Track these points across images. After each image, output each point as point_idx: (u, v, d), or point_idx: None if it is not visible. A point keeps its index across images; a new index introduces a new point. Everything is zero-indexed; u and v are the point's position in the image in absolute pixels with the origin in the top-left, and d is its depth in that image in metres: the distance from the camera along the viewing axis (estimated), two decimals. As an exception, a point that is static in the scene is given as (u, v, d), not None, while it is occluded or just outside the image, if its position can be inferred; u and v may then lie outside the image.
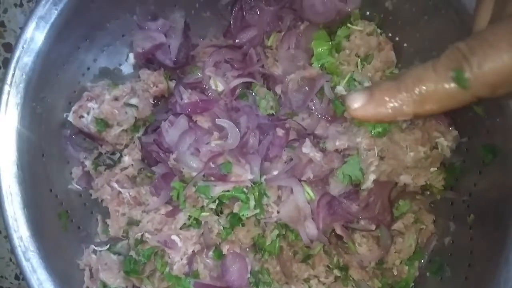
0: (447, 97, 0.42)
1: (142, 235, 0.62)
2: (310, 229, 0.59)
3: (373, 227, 0.59)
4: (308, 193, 0.61)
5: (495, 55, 0.39)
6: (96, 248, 0.65)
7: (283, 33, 0.68)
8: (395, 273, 0.61)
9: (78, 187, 0.68)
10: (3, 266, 0.88)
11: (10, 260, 0.88)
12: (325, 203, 0.60)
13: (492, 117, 0.54)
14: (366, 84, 0.62)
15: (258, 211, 0.59)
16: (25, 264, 0.60)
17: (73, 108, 0.67)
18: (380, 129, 0.57)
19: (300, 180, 0.61)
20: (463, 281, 0.55)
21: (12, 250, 0.60)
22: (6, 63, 0.86)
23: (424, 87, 0.42)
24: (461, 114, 0.59)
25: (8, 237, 0.61)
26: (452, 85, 0.41)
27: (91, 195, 0.69)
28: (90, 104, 0.67)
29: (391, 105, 0.43)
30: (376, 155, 0.59)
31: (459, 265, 0.57)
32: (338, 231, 0.60)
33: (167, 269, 0.61)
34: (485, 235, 0.55)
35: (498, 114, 0.53)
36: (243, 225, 0.63)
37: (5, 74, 0.62)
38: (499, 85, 0.40)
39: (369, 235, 0.61)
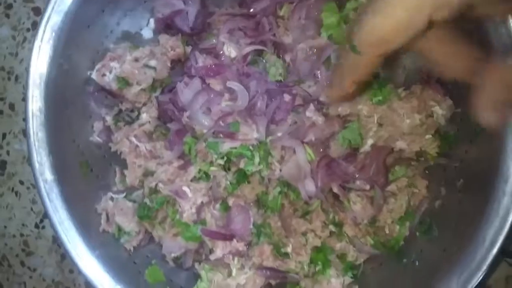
0: (360, 67, 0.50)
1: (156, 185, 0.68)
2: (309, 186, 0.64)
3: (367, 187, 0.64)
4: (309, 154, 0.65)
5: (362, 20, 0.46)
6: (113, 196, 0.71)
7: (294, 4, 0.71)
8: (387, 231, 0.66)
9: (98, 139, 0.73)
10: (25, 215, 0.95)
11: (31, 209, 0.94)
12: (324, 164, 0.65)
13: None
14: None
15: (262, 167, 0.64)
16: (48, 204, 0.66)
17: (97, 67, 0.72)
18: (380, 97, 0.62)
19: (302, 142, 0.66)
20: (449, 239, 0.60)
21: (38, 192, 0.67)
22: (35, 25, 0.92)
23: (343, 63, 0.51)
24: (457, 86, 0.63)
25: (34, 181, 0.67)
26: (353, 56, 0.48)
27: (110, 148, 0.74)
28: (112, 64, 0.72)
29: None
30: (376, 121, 0.64)
31: (447, 226, 0.62)
32: (335, 190, 0.65)
33: (177, 216, 0.67)
34: (471, 199, 0.59)
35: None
36: (248, 182, 0.68)
37: (37, 31, 0.67)
38: (381, 44, 0.46)
39: (363, 195, 0.65)
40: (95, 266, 0.65)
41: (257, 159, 0.65)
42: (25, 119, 0.67)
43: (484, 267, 0.53)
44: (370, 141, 0.64)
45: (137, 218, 0.69)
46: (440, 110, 0.62)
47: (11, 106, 0.95)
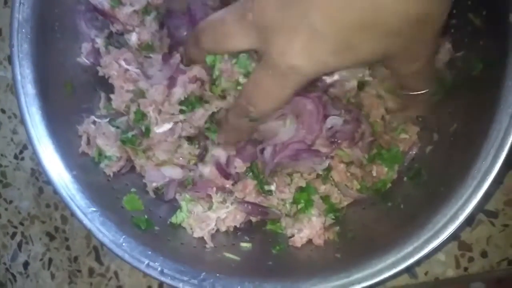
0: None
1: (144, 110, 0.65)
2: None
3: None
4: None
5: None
6: (96, 119, 0.69)
7: None
8: (374, 174, 0.64)
9: (86, 61, 0.71)
10: (4, 145, 0.92)
11: (12, 140, 0.91)
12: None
13: (487, 28, 0.57)
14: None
15: None
16: (28, 118, 0.63)
17: (90, -17, 0.69)
18: None
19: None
20: (437, 184, 0.58)
21: (18, 105, 0.64)
22: None
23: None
24: (461, 28, 0.61)
25: (15, 93, 0.64)
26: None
27: (97, 72, 0.71)
28: (105, -18, 0.69)
29: None
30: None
31: (436, 171, 0.60)
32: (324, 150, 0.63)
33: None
34: (463, 144, 0.58)
35: (494, 23, 0.55)
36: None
37: None
38: None
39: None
40: (71, 186, 0.62)
41: None
42: (9, 30, 0.64)
43: (470, 208, 0.52)
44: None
45: (120, 143, 0.67)
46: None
47: (-2, 32, 0.92)
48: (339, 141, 0.60)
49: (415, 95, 0.61)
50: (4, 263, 0.90)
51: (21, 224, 0.91)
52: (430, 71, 0.58)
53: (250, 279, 0.56)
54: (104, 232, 0.60)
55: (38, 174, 0.90)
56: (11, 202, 0.92)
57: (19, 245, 0.91)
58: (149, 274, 0.57)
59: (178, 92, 0.62)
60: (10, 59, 0.89)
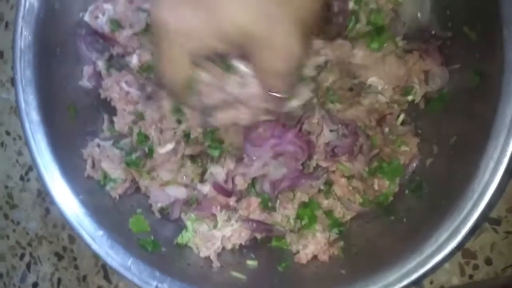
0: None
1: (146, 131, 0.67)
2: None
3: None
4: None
5: None
6: (100, 142, 0.69)
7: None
8: (376, 187, 0.65)
9: (88, 84, 0.72)
10: (10, 167, 0.93)
11: (17, 161, 0.92)
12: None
13: (483, 41, 0.57)
14: (372, 5, 0.65)
15: None
16: (33, 145, 0.64)
17: (90, 8, 0.70)
18: (376, 45, 0.61)
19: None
20: (438, 196, 0.59)
21: (23, 132, 0.65)
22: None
23: None
24: (456, 40, 0.62)
25: (20, 120, 0.65)
26: None
27: (99, 94, 0.72)
28: (105, 6, 0.70)
29: None
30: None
31: (436, 184, 0.61)
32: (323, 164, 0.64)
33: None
34: (463, 156, 0.58)
35: (489, 37, 0.56)
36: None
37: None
38: None
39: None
40: (78, 211, 0.63)
41: None
42: (12, 58, 0.65)
43: (472, 221, 0.53)
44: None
45: (124, 165, 0.68)
46: (419, 90, 0.63)
47: (0, 54, 0.93)
48: (339, 155, 0.61)
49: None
50: (14, 284, 0.91)
51: (29, 245, 0.92)
52: (291, 76, 0.55)
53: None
54: (112, 255, 0.61)
55: (44, 195, 0.91)
56: (18, 223, 0.93)
57: (28, 266, 0.92)
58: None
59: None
60: (12, 82, 0.91)
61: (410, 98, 0.65)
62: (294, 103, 0.58)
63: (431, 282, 0.73)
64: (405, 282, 0.53)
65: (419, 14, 0.65)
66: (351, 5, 0.64)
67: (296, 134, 0.61)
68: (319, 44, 0.59)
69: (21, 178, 0.92)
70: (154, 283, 0.59)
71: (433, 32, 0.65)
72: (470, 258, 0.73)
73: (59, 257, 0.90)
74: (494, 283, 0.71)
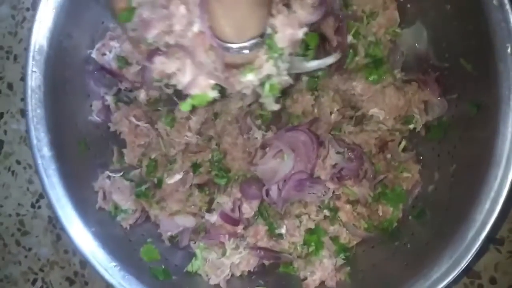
0: None
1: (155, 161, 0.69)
2: (272, 192, 0.66)
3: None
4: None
5: None
6: (110, 174, 0.71)
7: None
8: (380, 213, 0.67)
9: (97, 119, 0.74)
10: (21, 195, 0.95)
11: (28, 189, 0.95)
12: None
13: (479, 73, 0.59)
14: (370, 38, 0.67)
15: None
16: (46, 180, 0.66)
17: (97, 46, 0.73)
18: (375, 76, 0.63)
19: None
20: (440, 223, 0.61)
21: (36, 168, 0.67)
22: (35, 5, 0.92)
23: None
24: (453, 71, 0.64)
25: (32, 157, 0.67)
26: None
27: (109, 127, 0.74)
28: (112, 43, 0.73)
29: None
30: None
31: (439, 210, 0.63)
32: (331, 186, 0.66)
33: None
34: (464, 183, 0.60)
35: (484, 70, 0.58)
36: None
37: (35, 10, 0.67)
38: None
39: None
40: (91, 243, 0.65)
41: None
42: (24, 97, 0.67)
43: (475, 248, 0.55)
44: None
45: (134, 197, 0.70)
46: (420, 119, 0.66)
47: (9, 86, 0.95)
48: (345, 178, 0.63)
49: None
50: (27, 310, 0.93)
51: (41, 270, 0.94)
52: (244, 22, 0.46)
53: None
54: (125, 286, 0.63)
55: (55, 221, 0.93)
56: (30, 249, 0.95)
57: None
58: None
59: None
60: (22, 112, 0.93)
61: (411, 126, 0.67)
62: (250, 77, 0.50)
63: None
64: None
65: (417, 45, 0.67)
66: (349, 38, 0.66)
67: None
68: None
69: (32, 205, 0.94)
70: (167, 314, 0.61)
71: (431, 62, 0.67)
72: (475, 278, 0.74)
73: (71, 281, 0.92)
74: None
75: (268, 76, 0.50)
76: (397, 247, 0.64)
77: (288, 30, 0.49)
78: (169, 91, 0.55)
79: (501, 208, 0.55)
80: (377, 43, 0.68)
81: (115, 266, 0.64)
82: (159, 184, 0.70)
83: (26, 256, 0.95)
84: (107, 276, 0.64)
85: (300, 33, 0.50)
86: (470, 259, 0.55)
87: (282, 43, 0.49)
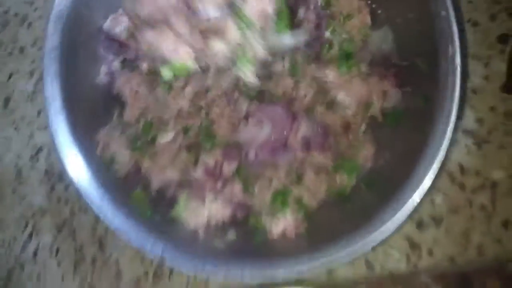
0: None
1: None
2: (250, 154, 0.78)
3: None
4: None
5: None
6: (111, 129, 0.82)
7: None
8: (338, 181, 0.79)
9: (103, 81, 0.85)
10: (22, 147, 1.04)
11: (28, 144, 1.04)
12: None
13: (430, 71, 0.73)
14: (344, 36, 0.81)
15: None
16: (55, 127, 0.76)
17: (109, 18, 0.84)
18: (344, 68, 0.76)
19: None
20: (385, 190, 0.73)
21: (48, 116, 0.77)
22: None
23: None
24: (410, 70, 0.77)
25: (45, 107, 0.78)
26: None
27: (113, 90, 0.86)
28: (122, 18, 0.84)
29: None
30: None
31: (385, 181, 0.76)
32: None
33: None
34: (407, 161, 0.73)
35: (434, 68, 0.71)
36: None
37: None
38: None
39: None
40: (88, 182, 0.75)
41: None
42: (42, 55, 0.78)
43: (408, 208, 0.68)
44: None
45: (130, 151, 0.81)
46: (377, 106, 0.79)
47: (21, 49, 1.05)
48: (313, 148, 0.75)
49: None
50: (15, 254, 1.02)
51: (33, 217, 1.03)
52: None
53: (235, 262, 0.70)
54: (114, 220, 0.73)
55: (51, 175, 1.03)
56: (24, 197, 1.04)
57: (30, 236, 1.03)
58: (152, 254, 0.71)
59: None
60: (30, 74, 1.03)
61: (371, 112, 0.80)
62: (220, 45, 0.56)
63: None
64: (358, 253, 0.67)
65: (383, 45, 0.81)
66: (327, 34, 0.79)
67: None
68: None
69: (31, 157, 1.04)
70: (149, 246, 0.72)
71: (393, 60, 0.81)
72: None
73: (59, 229, 1.01)
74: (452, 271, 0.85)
75: (241, 48, 0.59)
76: (349, 208, 0.77)
77: (256, 2, 0.57)
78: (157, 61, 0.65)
79: (430, 180, 0.68)
80: (350, 40, 0.82)
81: (107, 204, 0.74)
82: (153, 141, 0.81)
83: (20, 203, 1.04)
84: (98, 210, 0.74)
85: (269, 7, 0.58)
86: (405, 218, 0.68)
87: (251, 15, 0.57)
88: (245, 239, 0.77)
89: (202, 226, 0.79)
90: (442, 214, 0.87)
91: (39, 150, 1.04)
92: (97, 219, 0.91)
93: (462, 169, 0.87)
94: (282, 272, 0.68)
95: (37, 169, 1.04)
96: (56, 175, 1.02)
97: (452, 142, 0.74)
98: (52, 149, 1.02)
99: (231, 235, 0.79)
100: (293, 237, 0.76)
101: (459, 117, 0.74)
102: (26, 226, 1.04)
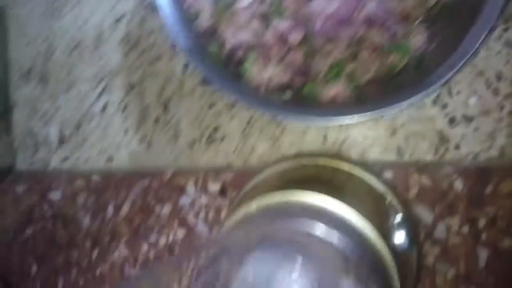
0: None
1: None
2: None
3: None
4: None
5: None
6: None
7: None
8: (389, 61, 0.90)
9: None
10: (105, 14, 1.17)
11: (111, 10, 1.17)
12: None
13: None
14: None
15: None
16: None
17: None
18: None
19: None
20: (429, 70, 0.83)
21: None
22: None
23: None
24: None
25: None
26: None
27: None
28: None
29: None
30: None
31: (431, 63, 0.85)
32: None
33: None
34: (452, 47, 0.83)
35: None
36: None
37: None
38: None
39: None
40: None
41: None
42: None
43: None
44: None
45: (212, 10, 0.93)
46: None
47: None
48: (374, 26, 0.86)
49: None
50: (86, 107, 1.17)
51: (107, 76, 1.17)
52: None
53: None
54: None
55: (129, 39, 1.16)
56: (101, 58, 1.18)
57: (101, 93, 1.18)
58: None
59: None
60: None
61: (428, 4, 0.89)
62: None
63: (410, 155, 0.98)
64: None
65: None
66: None
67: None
68: None
69: (114, 22, 1.17)
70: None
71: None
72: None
73: (130, 89, 1.15)
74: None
75: None
76: (393, 83, 0.87)
77: None
78: None
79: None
80: None
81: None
82: (231, 5, 0.93)
83: (97, 63, 1.18)
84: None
85: None
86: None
87: None
88: (298, 100, 0.89)
89: (263, 84, 0.90)
90: (474, 114, 0.97)
91: (122, 16, 1.17)
92: (166, 80, 1.05)
93: (499, 77, 0.96)
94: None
95: (117, 33, 1.17)
96: (135, 40, 1.15)
97: (494, 51, 0.84)
98: (135, 15, 1.15)
99: (287, 95, 0.91)
100: (341, 100, 0.88)
101: (505, 28, 0.84)
102: (99, 82, 1.18)
